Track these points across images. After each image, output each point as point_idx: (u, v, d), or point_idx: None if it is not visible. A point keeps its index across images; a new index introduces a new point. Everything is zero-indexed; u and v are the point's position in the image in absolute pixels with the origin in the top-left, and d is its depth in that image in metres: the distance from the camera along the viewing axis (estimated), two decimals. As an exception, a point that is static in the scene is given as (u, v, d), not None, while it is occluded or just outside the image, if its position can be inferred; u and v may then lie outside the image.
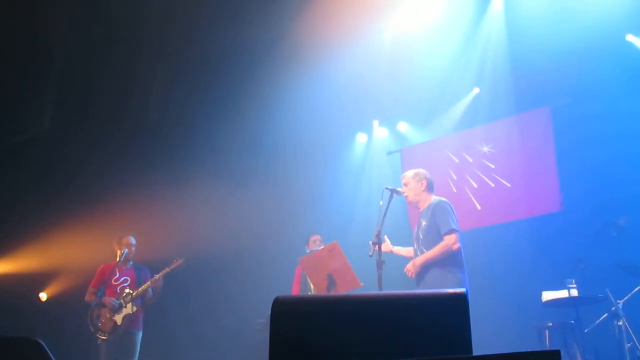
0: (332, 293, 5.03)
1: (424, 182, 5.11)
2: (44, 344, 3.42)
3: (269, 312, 1.73)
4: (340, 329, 1.67)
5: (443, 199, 5.08)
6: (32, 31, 6.72)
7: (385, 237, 5.07)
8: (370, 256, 4.62)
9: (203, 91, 7.85)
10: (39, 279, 8.47)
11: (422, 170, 5.20)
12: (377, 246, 4.62)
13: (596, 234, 5.87)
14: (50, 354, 3.39)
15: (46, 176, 7.85)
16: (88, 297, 6.41)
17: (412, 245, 5.22)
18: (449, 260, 4.79)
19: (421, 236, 4.96)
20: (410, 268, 4.91)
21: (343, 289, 5.10)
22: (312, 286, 5.86)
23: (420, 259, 4.85)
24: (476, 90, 7.73)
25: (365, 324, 1.67)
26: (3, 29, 6.49)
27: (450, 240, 4.76)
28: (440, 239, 4.82)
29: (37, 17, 6.59)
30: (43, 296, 8.58)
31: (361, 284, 5.11)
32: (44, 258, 8.20)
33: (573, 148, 6.64)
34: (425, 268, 4.83)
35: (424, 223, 4.98)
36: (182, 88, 7.77)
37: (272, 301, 1.73)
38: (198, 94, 7.86)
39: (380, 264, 4.58)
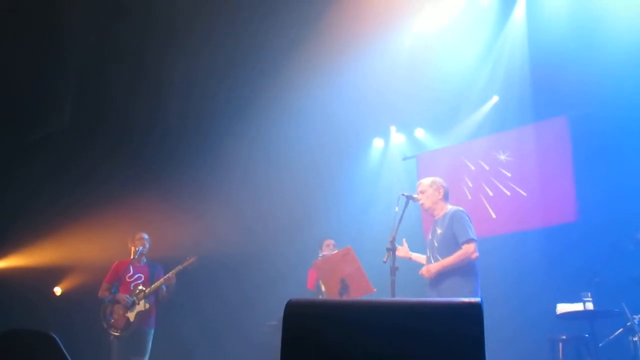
0: (345, 298, 5.02)
1: (441, 191, 5.13)
2: (57, 338, 3.45)
3: (281, 315, 1.73)
4: (352, 335, 1.67)
5: (460, 208, 5.09)
6: (52, 28, 6.78)
7: (404, 240, 5.08)
8: (385, 262, 4.63)
9: (221, 93, 7.88)
10: (54, 274, 8.55)
11: (438, 179, 5.21)
12: (391, 252, 4.62)
13: (612, 247, 5.80)
14: (64, 349, 3.42)
15: (63, 172, 7.92)
16: (102, 293, 6.45)
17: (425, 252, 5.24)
18: (465, 269, 4.81)
19: (436, 244, 4.96)
20: (425, 273, 4.91)
21: (356, 294, 5.08)
22: (324, 290, 5.85)
23: (436, 266, 4.85)
24: (495, 99, 7.68)
25: (377, 331, 1.66)
26: (23, 26, 6.56)
27: (469, 249, 4.78)
28: (455, 247, 4.83)
29: (57, 14, 6.65)
30: (58, 291, 8.66)
31: (374, 289, 5.09)
32: (59, 253, 8.27)
33: (590, 158, 6.58)
34: (441, 275, 4.83)
35: (439, 231, 4.97)
36: (199, 90, 7.80)
37: (284, 304, 1.73)
38: (216, 95, 7.89)
39: (394, 270, 4.58)
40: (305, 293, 6.72)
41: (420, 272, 4.97)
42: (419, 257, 5.26)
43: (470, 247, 4.79)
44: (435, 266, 4.85)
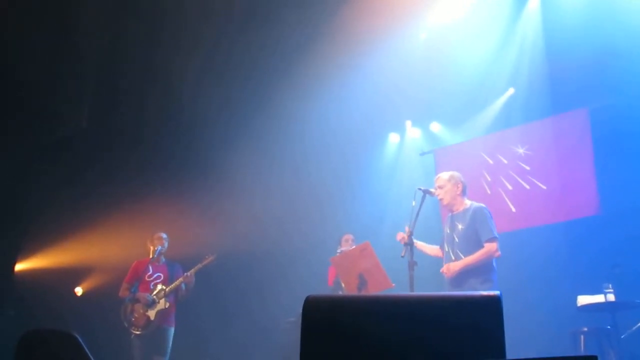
0: (364, 293, 5.01)
1: (460, 186, 5.13)
2: (79, 338, 3.49)
3: (300, 311, 1.73)
4: (371, 330, 1.66)
5: (481, 204, 5.09)
6: (71, 29, 6.85)
7: (407, 227, 5.04)
8: (402, 256, 4.64)
9: (237, 89, 7.89)
10: (75, 274, 8.64)
11: (457, 174, 5.20)
12: (409, 247, 4.62)
13: (633, 238, 5.75)
14: (86, 348, 3.45)
15: (82, 174, 7.99)
16: (122, 293, 6.51)
17: (438, 244, 5.29)
18: (486, 266, 4.84)
19: (456, 239, 4.96)
20: (446, 272, 4.89)
21: (374, 289, 5.08)
22: (344, 286, 5.86)
23: (459, 264, 4.85)
24: (511, 91, 7.61)
25: (396, 325, 1.66)
26: (42, 28, 6.63)
27: (492, 248, 4.82)
28: (477, 244, 4.85)
29: (76, 15, 6.71)
30: (79, 291, 8.75)
31: (392, 284, 5.09)
32: (79, 254, 8.35)
33: (611, 151, 6.49)
34: (461, 273, 4.81)
35: (460, 227, 4.97)
36: (216, 87, 7.81)
37: (303, 300, 1.73)
38: (232, 92, 7.91)
39: (412, 264, 4.58)
40: (325, 289, 6.73)
41: (441, 271, 4.97)
42: (425, 247, 5.23)
43: (494, 245, 4.83)
44: (457, 265, 4.85)
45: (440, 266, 5.21)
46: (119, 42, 7.16)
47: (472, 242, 4.88)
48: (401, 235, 4.97)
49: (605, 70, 6.37)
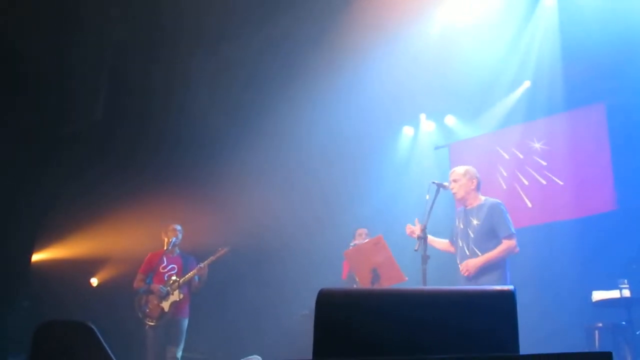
0: (377, 287, 5.01)
1: (474, 181, 5.11)
2: (95, 328, 3.52)
3: (313, 304, 1.73)
4: (384, 323, 1.66)
5: (497, 200, 5.10)
6: (86, 23, 6.89)
7: (417, 220, 5.03)
8: (416, 250, 4.64)
9: (248, 83, 7.90)
10: (91, 266, 8.72)
11: (472, 169, 5.19)
12: (422, 241, 4.62)
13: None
14: (101, 338, 3.49)
15: (97, 166, 8.04)
16: (137, 284, 6.57)
17: (449, 238, 5.28)
18: (501, 262, 4.85)
19: (471, 235, 4.94)
20: (464, 269, 4.87)
21: (387, 283, 5.08)
22: (357, 279, 5.86)
23: (480, 261, 4.82)
24: (527, 84, 7.54)
25: (410, 319, 1.66)
26: (57, 21, 6.67)
27: (511, 244, 4.83)
28: (494, 239, 4.85)
29: (91, 10, 6.76)
30: (94, 282, 8.83)
31: (405, 278, 5.08)
32: (95, 245, 8.43)
33: (629, 146, 6.43)
34: (480, 269, 4.82)
35: (475, 222, 4.95)
36: (228, 81, 7.82)
37: (316, 293, 1.73)
38: (243, 86, 7.92)
39: (425, 258, 4.58)
40: (339, 283, 6.74)
41: (460, 269, 4.94)
42: (434, 241, 5.21)
43: (513, 242, 4.84)
44: (478, 262, 4.82)
45: (452, 260, 5.20)
46: (132, 36, 7.19)
47: (488, 237, 4.87)
48: (410, 229, 4.97)
49: (622, 65, 6.30)
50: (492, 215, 4.91)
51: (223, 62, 7.60)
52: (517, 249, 4.87)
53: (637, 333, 5.18)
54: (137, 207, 7.92)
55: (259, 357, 4.95)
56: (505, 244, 4.82)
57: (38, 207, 7.82)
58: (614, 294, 5.27)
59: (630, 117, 6.35)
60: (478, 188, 5.14)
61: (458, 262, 5.04)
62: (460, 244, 5.04)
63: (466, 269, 4.87)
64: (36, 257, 8.21)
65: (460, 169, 5.20)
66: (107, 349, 3.43)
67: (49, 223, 8.04)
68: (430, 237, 5.14)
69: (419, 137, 8.83)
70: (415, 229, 4.94)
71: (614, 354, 4.71)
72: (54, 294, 7.66)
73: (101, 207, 8.04)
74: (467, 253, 4.94)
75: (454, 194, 5.17)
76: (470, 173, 5.14)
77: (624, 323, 5.28)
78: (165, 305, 6.39)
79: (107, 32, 7.09)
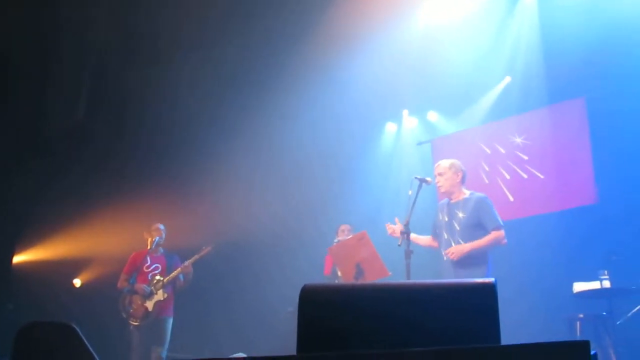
0: (361, 282, 5.03)
1: (460, 174, 5.15)
2: (78, 329, 3.49)
3: (297, 301, 1.74)
4: (368, 317, 1.68)
5: (483, 194, 5.16)
6: (69, 23, 6.84)
7: (397, 219, 5.07)
8: (399, 245, 4.67)
9: (233, 80, 7.88)
10: (73, 266, 8.65)
11: (457, 162, 5.22)
12: (406, 236, 4.64)
13: (629, 227, 5.78)
14: (84, 339, 3.46)
15: (79, 165, 7.99)
16: (120, 284, 6.54)
17: (430, 233, 5.31)
18: (487, 257, 4.93)
19: (457, 227, 4.98)
20: (451, 252, 4.90)
21: (371, 278, 5.10)
22: (340, 275, 5.88)
23: (467, 247, 4.86)
24: (508, 79, 7.60)
25: (392, 313, 1.67)
26: (40, 20, 6.61)
27: (500, 235, 4.90)
28: (481, 232, 4.90)
29: (75, 10, 6.71)
30: (77, 282, 8.76)
31: (389, 273, 5.11)
32: (77, 246, 8.36)
33: (609, 140, 6.49)
34: (466, 261, 4.85)
35: (460, 215, 4.99)
36: (211, 79, 7.80)
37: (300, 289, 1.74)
38: (227, 82, 7.90)
39: (408, 253, 4.61)
40: (322, 279, 6.75)
41: (446, 252, 4.96)
42: (417, 238, 5.23)
43: (501, 233, 4.91)
44: (465, 247, 4.87)
45: (436, 255, 5.22)
46: (118, 36, 7.15)
47: (475, 230, 4.92)
48: (391, 228, 5.03)
49: (603, 60, 6.36)
50: (479, 208, 4.97)
51: (204, 60, 7.57)
52: (505, 240, 4.93)
53: (618, 323, 5.25)
54: (120, 207, 7.87)
55: (244, 354, 4.94)
56: (494, 234, 4.88)
57: (18, 209, 7.74)
58: (594, 285, 5.32)
59: (611, 111, 6.41)
60: (463, 181, 5.17)
61: (443, 254, 5.07)
62: (446, 237, 5.06)
63: (452, 251, 4.90)
64: (18, 258, 8.13)
65: (445, 162, 5.23)
66: (91, 349, 3.41)
67: (30, 224, 7.96)
68: (414, 236, 5.16)
69: (401, 133, 8.86)
70: (396, 227, 4.99)
71: (595, 344, 4.78)
72: (37, 295, 7.59)
73: (83, 208, 7.97)
74: (453, 245, 4.98)
75: (438, 187, 5.21)
76: (455, 166, 5.17)
77: (604, 313, 5.35)
78: (150, 304, 6.36)
79: (88, 33, 7.04)
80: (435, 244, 5.29)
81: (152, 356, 6.31)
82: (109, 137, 8.02)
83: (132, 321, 6.34)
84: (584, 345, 1.34)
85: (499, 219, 4.96)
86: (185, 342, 7.32)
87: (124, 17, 6.93)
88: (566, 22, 6.59)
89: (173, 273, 6.48)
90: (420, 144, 8.52)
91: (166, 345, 6.41)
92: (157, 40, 7.21)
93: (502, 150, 7.59)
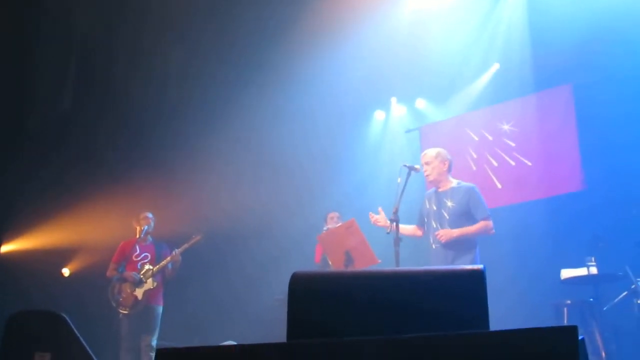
0: (350, 269, 5.05)
1: (446, 163, 5.18)
2: (67, 318, 3.49)
3: (287, 289, 1.74)
4: (357, 305, 1.68)
5: (471, 184, 5.21)
6: (55, 12, 6.77)
7: (380, 208, 5.10)
8: (388, 233, 4.68)
9: (220, 67, 7.84)
10: (62, 255, 8.60)
11: (443, 151, 5.25)
12: (394, 223, 4.66)
13: (615, 214, 5.84)
14: (74, 328, 3.46)
15: (66, 154, 7.93)
16: (109, 273, 6.53)
17: (417, 221, 5.36)
18: (475, 245, 5.01)
19: (446, 216, 5.02)
20: (442, 236, 4.93)
21: (361, 266, 5.12)
22: (330, 263, 5.89)
23: (456, 232, 4.92)
24: (496, 66, 7.62)
25: (382, 300, 1.68)
26: (25, 10, 6.54)
27: (489, 225, 4.99)
28: (470, 220, 4.98)
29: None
30: (66, 272, 8.72)
31: (379, 260, 5.13)
32: (66, 234, 8.31)
33: (596, 127, 6.53)
34: (452, 242, 4.90)
35: (449, 204, 5.04)
36: (199, 66, 7.76)
37: (289, 277, 1.74)
38: (215, 70, 7.86)
39: (397, 241, 4.63)
40: (312, 267, 6.77)
41: (436, 234, 5.00)
42: (403, 228, 5.24)
43: (490, 223, 5.00)
44: (455, 232, 4.93)
45: (425, 242, 5.25)
46: (104, 26, 7.09)
47: (464, 219, 4.98)
48: (374, 218, 5.07)
49: (589, 47, 6.38)
50: (468, 198, 5.02)
51: (191, 49, 7.52)
52: (493, 230, 5.01)
53: (604, 309, 5.30)
54: (108, 195, 7.83)
55: (234, 342, 4.96)
56: (483, 224, 4.96)
57: (4, 199, 7.68)
58: (581, 271, 5.37)
59: (597, 98, 6.44)
60: (450, 170, 5.21)
61: (431, 241, 5.10)
62: (435, 225, 5.10)
63: (442, 234, 4.94)
64: (6, 247, 8.08)
65: (432, 152, 5.25)
66: (80, 338, 3.41)
67: (16, 214, 7.90)
68: (400, 226, 5.18)
69: (390, 121, 8.86)
70: (379, 217, 5.02)
71: (582, 330, 4.83)
72: (25, 285, 7.55)
73: (71, 197, 7.91)
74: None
75: (426, 176, 5.24)
76: (442, 155, 5.20)
77: (591, 299, 5.40)
78: (139, 293, 6.36)
79: (73, 23, 6.97)
80: (419, 232, 5.34)
81: (142, 345, 6.31)
82: (96, 125, 7.96)
83: (122, 310, 6.33)
84: (572, 330, 1.35)
85: (487, 209, 5.05)
86: (175, 331, 7.31)
87: (109, 5, 6.86)
88: (554, 10, 6.62)
89: (163, 262, 6.48)
90: (408, 131, 8.53)
91: (156, 334, 6.41)
92: (142, 30, 7.16)
93: (490, 137, 7.61)
